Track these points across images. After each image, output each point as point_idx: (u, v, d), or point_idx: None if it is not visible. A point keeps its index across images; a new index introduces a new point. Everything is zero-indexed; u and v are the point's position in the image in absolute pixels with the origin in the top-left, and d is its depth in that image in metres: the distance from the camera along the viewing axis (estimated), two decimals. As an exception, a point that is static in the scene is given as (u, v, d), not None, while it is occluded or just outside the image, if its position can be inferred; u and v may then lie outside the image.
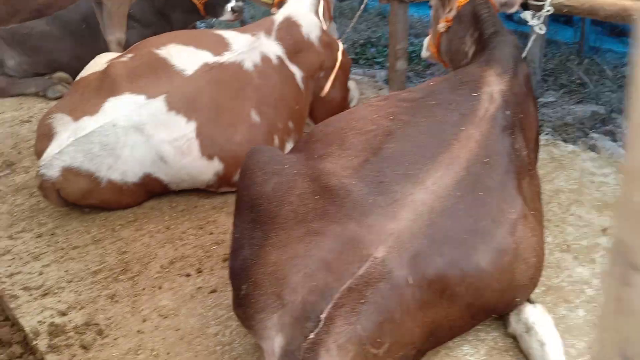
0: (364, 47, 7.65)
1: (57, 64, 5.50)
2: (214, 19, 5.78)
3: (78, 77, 3.56)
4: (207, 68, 3.44)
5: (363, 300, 1.98)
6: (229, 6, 5.43)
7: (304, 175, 2.29)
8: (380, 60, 7.18)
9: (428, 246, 2.12)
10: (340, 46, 4.29)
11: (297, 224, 2.16)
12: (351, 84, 4.54)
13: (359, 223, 2.09)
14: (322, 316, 1.91)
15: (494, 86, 2.69)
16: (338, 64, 4.18)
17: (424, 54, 4.12)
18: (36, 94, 5.34)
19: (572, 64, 6.63)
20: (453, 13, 3.39)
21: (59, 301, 2.75)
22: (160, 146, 3.26)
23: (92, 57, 5.50)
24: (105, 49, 5.01)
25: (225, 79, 3.47)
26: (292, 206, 2.20)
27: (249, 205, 2.31)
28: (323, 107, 4.24)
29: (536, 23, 3.70)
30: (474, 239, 2.23)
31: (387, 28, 8.24)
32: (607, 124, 5.05)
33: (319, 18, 4.19)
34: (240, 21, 6.17)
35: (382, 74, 6.49)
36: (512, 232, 2.33)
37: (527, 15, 3.70)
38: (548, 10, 3.69)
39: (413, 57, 7.03)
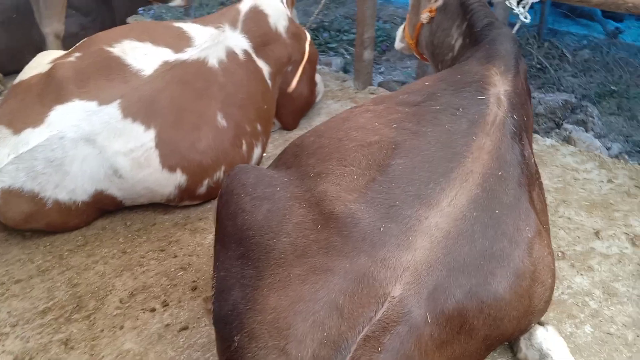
0: (315, 32, 7.27)
1: (-16, 58, 4.90)
2: (160, 5, 5.24)
3: (17, 80, 3.07)
4: (167, 67, 3.02)
5: (380, 349, 1.68)
6: (178, -11, 4.97)
7: (302, 200, 1.95)
8: (333, 46, 6.85)
9: (446, 277, 1.84)
10: (308, 36, 3.95)
11: (297, 259, 1.82)
12: (317, 77, 4.20)
13: (371, 257, 1.78)
14: (339, 376, 1.60)
15: (500, 87, 2.41)
16: (306, 56, 3.84)
17: (398, 45, 3.83)
18: (-39, 93, 4.73)
19: (532, 47, 6.48)
20: (439, 3, 3.10)
21: (3, 351, 2.31)
22: (115, 159, 2.83)
23: (25, 51, 4.99)
24: (40, 41, 4.50)
25: (188, 78, 3.06)
26: (290, 238, 1.86)
27: (237, 238, 1.95)
28: (290, 104, 3.90)
29: (522, 11, 3.47)
30: (491, 264, 1.96)
31: (340, 11, 7.98)
32: (577, 112, 4.89)
33: (284, 5, 3.83)
34: (185, 9, 5.69)
35: (337, 61, 6.16)
36: (530, 252, 2.08)
37: (512, 2, 3.46)
38: (538, -3, 3.46)
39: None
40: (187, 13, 6.61)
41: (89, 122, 2.78)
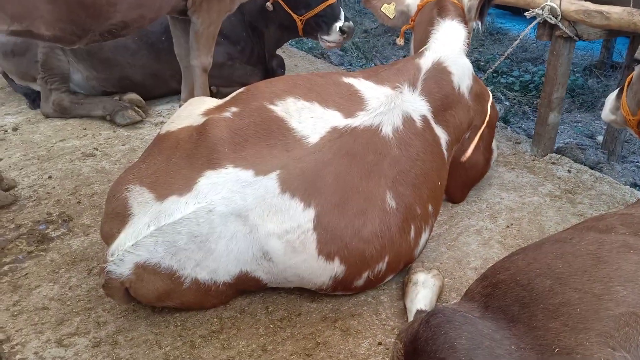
0: (470, 71, 6.57)
1: (129, 81, 4.71)
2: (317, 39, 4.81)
3: (164, 130, 2.70)
4: (335, 135, 2.54)
5: None
6: (337, 26, 4.52)
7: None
8: (490, 88, 6.13)
9: None
10: (490, 96, 3.34)
11: None
12: (493, 144, 3.56)
13: None
14: None
15: None
16: (487, 119, 3.22)
17: (607, 116, 3.12)
18: (102, 118, 4.55)
19: None
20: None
21: None
22: (267, 240, 2.38)
23: (170, 78, 4.77)
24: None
25: (358, 150, 2.56)
26: None
27: None
28: (461, 175, 3.30)
29: None
30: None
31: (496, 49, 7.26)
32: None
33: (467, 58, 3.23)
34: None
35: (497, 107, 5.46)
36: None
37: None
38: None
39: (529, 86, 6.01)
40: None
41: (243, 195, 2.34)
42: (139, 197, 2.40)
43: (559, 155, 3.96)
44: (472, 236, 3.17)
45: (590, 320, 1.45)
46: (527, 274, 1.70)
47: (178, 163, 2.46)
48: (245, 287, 2.60)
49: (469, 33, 3.31)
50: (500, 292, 1.72)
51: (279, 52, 5.50)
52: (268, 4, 4.63)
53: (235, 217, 2.34)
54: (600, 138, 4.75)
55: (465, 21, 3.28)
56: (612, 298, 1.48)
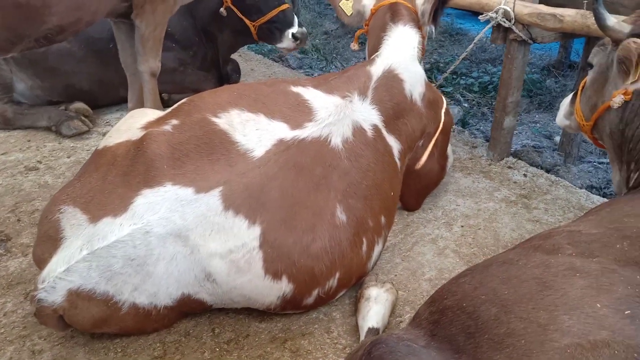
0: (429, 73, 6.51)
1: (76, 90, 4.51)
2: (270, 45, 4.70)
3: (101, 145, 2.56)
4: (282, 147, 2.43)
5: None
6: (290, 32, 4.42)
7: None
8: (449, 90, 6.09)
9: None
10: (445, 102, 3.26)
11: None
12: (449, 149, 3.49)
13: None
14: None
15: None
16: (441, 126, 3.15)
17: (561, 121, 3.07)
18: (48, 129, 4.34)
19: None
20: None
21: None
22: (209, 260, 2.26)
23: (119, 83, 4.58)
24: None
25: (306, 163, 2.45)
26: None
27: None
28: (416, 183, 3.23)
29: None
30: None
31: (456, 50, 7.24)
32: None
33: (420, 64, 3.16)
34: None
35: (455, 111, 5.39)
36: None
37: None
38: None
39: (488, 87, 5.99)
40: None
41: (182, 214, 2.22)
42: (72, 219, 2.26)
43: (515, 159, 3.93)
44: (427, 245, 3.10)
45: (535, 352, 1.37)
46: (473, 300, 1.61)
47: (114, 181, 2.32)
48: (189, 309, 2.48)
49: (422, 38, 3.24)
50: (447, 320, 1.63)
51: (234, 56, 5.37)
52: (222, 9, 4.49)
53: (174, 237, 2.22)
54: (558, 138, 4.74)
55: (419, 26, 3.20)
56: (557, 328, 1.41)
